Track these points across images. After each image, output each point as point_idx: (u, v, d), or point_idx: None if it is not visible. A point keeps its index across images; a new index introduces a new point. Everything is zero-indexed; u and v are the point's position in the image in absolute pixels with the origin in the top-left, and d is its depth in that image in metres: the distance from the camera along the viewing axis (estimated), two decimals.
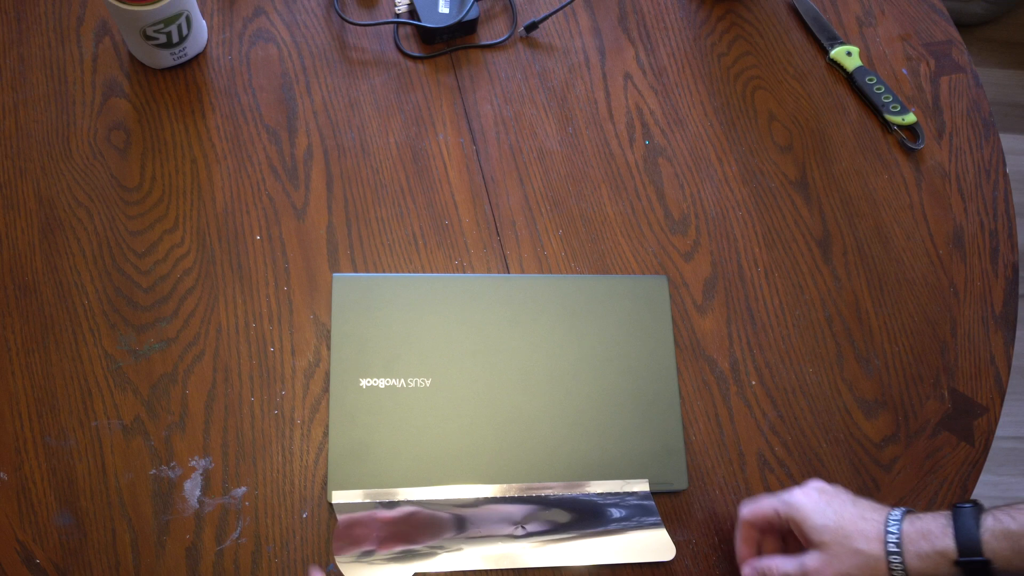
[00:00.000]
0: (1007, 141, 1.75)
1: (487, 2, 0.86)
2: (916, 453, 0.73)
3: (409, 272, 0.74)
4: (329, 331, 0.70)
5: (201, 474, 0.65)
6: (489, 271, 0.75)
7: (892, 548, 0.55)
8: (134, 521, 0.64)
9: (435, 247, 0.75)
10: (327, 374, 0.69)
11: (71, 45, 0.78)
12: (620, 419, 0.69)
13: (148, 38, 0.72)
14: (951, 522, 0.55)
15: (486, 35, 0.85)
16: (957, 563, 0.53)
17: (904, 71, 0.89)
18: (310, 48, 0.80)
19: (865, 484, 0.72)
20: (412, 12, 0.83)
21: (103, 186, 0.73)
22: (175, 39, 0.74)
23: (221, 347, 0.69)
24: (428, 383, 0.68)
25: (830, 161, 0.84)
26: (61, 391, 0.67)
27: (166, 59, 0.76)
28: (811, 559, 0.58)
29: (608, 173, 0.80)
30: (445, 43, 0.84)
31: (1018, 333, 0.81)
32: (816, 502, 0.59)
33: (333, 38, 0.82)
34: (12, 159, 0.73)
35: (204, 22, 0.79)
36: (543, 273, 0.75)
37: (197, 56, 0.78)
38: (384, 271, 0.73)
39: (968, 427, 0.75)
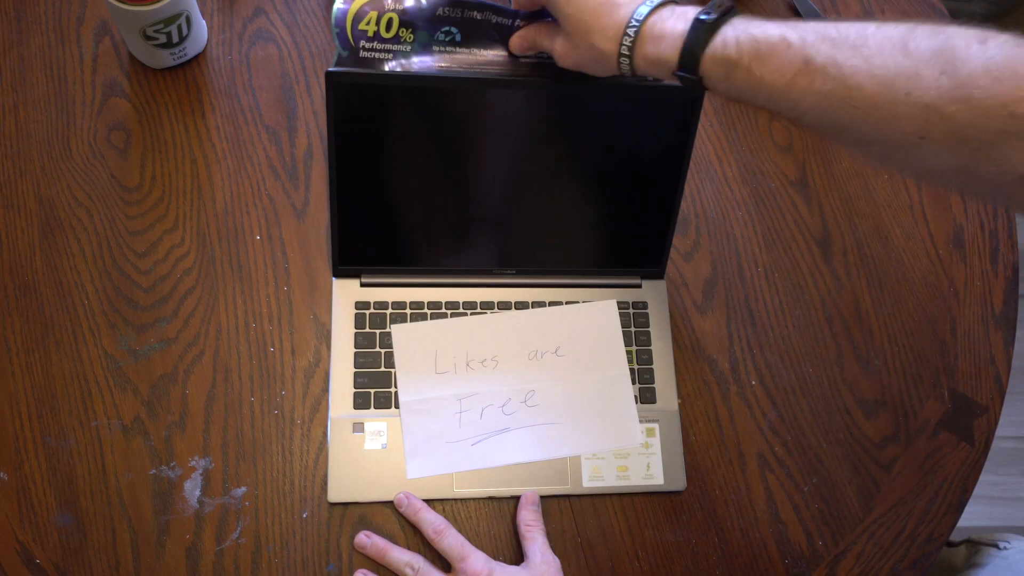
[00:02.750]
0: None
1: None
2: (916, 453, 0.73)
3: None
4: (329, 331, 0.70)
5: (201, 474, 0.65)
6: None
7: (624, 50, 0.54)
8: (134, 521, 0.64)
9: None
10: (327, 374, 0.69)
11: (71, 45, 0.78)
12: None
13: (148, 38, 0.72)
14: (686, 32, 0.52)
15: None
16: (675, 74, 0.53)
17: None
18: (310, 48, 0.80)
19: (865, 484, 0.72)
20: None
21: (103, 186, 0.73)
22: (175, 39, 0.74)
23: (221, 347, 0.69)
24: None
25: (830, 161, 0.84)
26: (61, 391, 0.67)
27: (166, 59, 0.76)
28: (559, 43, 0.58)
29: None
30: None
31: (1018, 333, 0.81)
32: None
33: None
34: (12, 159, 0.73)
35: (204, 22, 0.79)
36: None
37: (197, 56, 0.78)
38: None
39: (968, 427, 0.75)
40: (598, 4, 0.55)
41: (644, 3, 0.54)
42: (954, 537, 0.81)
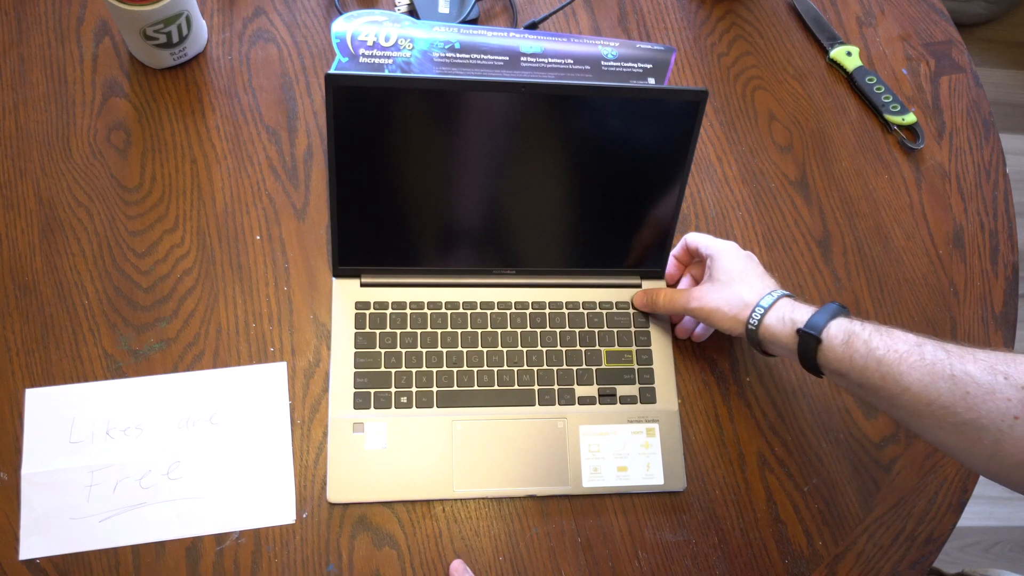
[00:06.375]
0: (1007, 141, 1.75)
1: (487, 2, 0.86)
2: (916, 453, 0.73)
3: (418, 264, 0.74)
4: (329, 331, 0.70)
5: None
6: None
7: (764, 304, 0.64)
8: None
9: None
10: (327, 374, 0.69)
11: (71, 45, 0.78)
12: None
13: (148, 38, 0.72)
14: (820, 306, 0.62)
15: None
16: (798, 331, 0.61)
17: (904, 71, 0.89)
18: (310, 48, 0.80)
19: (865, 484, 0.72)
20: (412, 11, 0.83)
21: (103, 186, 0.73)
22: (175, 39, 0.74)
23: (221, 347, 0.69)
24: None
25: (830, 161, 0.84)
26: None
27: (166, 59, 0.76)
28: (700, 286, 0.69)
29: None
30: None
31: (1018, 333, 0.81)
32: (736, 255, 0.69)
33: None
34: (12, 159, 0.73)
35: (204, 22, 0.79)
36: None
37: (197, 56, 0.78)
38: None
39: None
40: (755, 274, 0.67)
41: (788, 292, 0.66)
42: (948, 569, 0.81)
